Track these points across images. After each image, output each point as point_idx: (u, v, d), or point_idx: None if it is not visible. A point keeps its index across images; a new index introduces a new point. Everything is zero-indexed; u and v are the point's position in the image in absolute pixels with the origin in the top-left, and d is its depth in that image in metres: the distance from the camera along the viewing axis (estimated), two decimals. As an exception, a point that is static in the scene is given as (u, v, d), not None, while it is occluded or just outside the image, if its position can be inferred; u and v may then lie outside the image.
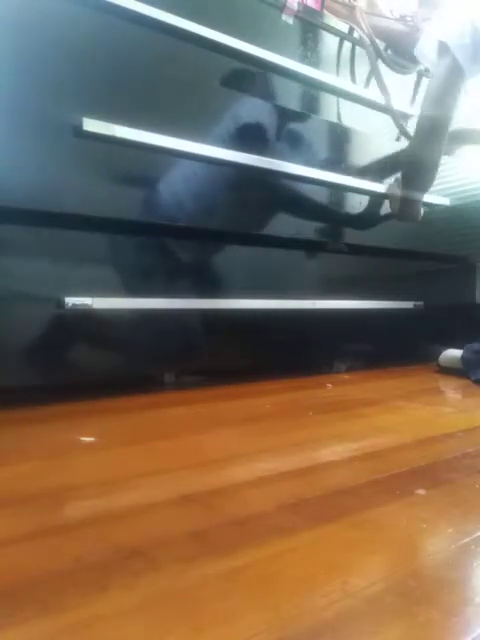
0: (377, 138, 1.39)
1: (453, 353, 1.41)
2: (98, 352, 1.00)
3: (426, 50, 1.24)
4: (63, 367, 0.96)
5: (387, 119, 1.37)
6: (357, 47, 1.34)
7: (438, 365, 1.45)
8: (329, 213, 1.32)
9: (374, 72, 1.32)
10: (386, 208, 1.40)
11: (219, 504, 0.53)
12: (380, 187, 1.37)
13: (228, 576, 0.39)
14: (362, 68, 1.35)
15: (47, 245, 0.92)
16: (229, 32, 1.08)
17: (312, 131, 1.26)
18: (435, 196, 1.49)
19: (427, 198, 1.39)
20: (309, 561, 0.42)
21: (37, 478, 0.59)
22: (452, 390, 1.25)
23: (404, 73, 1.41)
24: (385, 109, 1.35)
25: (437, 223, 1.52)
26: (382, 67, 1.35)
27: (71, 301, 0.92)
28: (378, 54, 1.34)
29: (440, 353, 1.45)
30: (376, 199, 1.38)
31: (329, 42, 1.30)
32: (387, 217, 1.40)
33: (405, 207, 1.34)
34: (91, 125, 0.90)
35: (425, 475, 0.62)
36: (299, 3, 1.21)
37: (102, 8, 0.92)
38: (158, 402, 1.01)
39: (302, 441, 0.77)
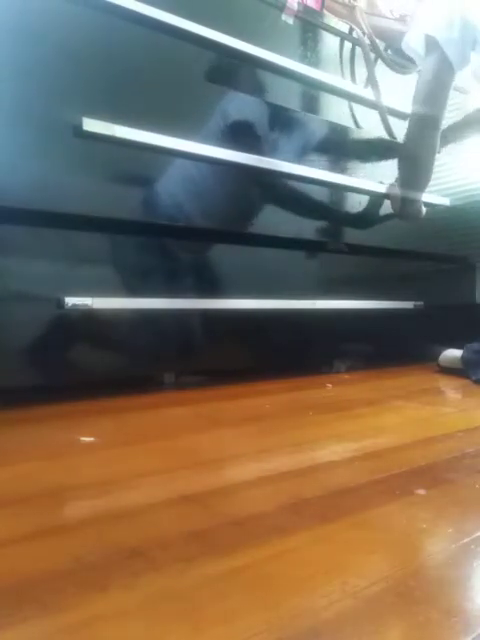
0: (377, 138, 1.39)
1: (453, 353, 1.41)
2: (98, 352, 1.00)
3: (413, 43, 1.22)
4: (63, 367, 0.96)
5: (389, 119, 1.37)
6: (357, 47, 1.34)
7: (438, 365, 1.44)
8: (329, 213, 1.32)
9: (368, 70, 1.32)
10: (386, 208, 1.40)
11: (219, 504, 0.53)
12: (380, 187, 1.37)
13: (228, 576, 0.39)
14: (362, 68, 1.35)
15: (47, 245, 0.92)
16: (229, 32, 1.08)
17: (314, 131, 1.26)
18: (435, 196, 1.49)
19: (427, 198, 1.40)
20: (309, 561, 0.42)
21: (37, 478, 0.59)
22: (452, 390, 1.25)
23: (404, 73, 1.41)
24: (382, 109, 1.35)
25: (437, 223, 1.52)
26: (382, 67, 1.35)
27: (71, 301, 0.92)
28: (378, 54, 1.34)
29: (440, 353, 1.44)
30: (376, 199, 1.38)
31: (329, 42, 1.30)
32: (387, 217, 1.40)
33: (406, 206, 1.34)
34: (91, 125, 0.90)
35: (425, 475, 0.62)
36: (299, 3, 1.21)
37: (103, 8, 0.92)
38: (158, 402, 1.01)
39: (302, 441, 0.77)
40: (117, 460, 0.67)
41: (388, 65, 1.37)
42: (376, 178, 1.37)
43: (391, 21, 1.41)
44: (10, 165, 0.85)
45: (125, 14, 0.94)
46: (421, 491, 0.57)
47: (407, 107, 1.27)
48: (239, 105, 1.13)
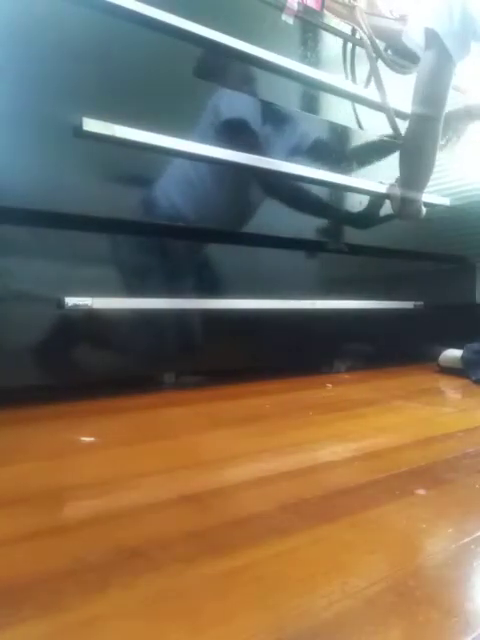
0: (378, 138, 1.39)
1: (453, 353, 1.41)
2: (98, 352, 1.00)
3: (413, 34, 1.21)
4: (63, 367, 0.96)
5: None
6: (357, 47, 1.34)
7: (438, 365, 1.44)
8: (329, 213, 1.32)
9: (373, 71, 1.32)
10: (386, 208, 1.40)
11: (219, 504, 0.53)
12: (380, 187, 1.37)
13: (228, 576, 0.39)
14: (362, 68, 1.35)
15: (47, 245, 0.92)
16: (229, 32, 1.08)
17: (314, 131, 1.26)
18: (435, 196, 1.49)
19: (427, 198, 1.39)
20: (309, 561, 0.42)
21: (37, 478, 0.59)
22: (452, 390, 1.25)
23: (404, 73, 1.41)
24: (389, 109, 1.35)
25: (437, 223, 1.52)
26: (382, 67, 1.35)
27: (71, 301, 0.92)
28: (378, 54, 1.34)
29: (440, 353, 1.45)
30: (376, 199, 1.38)
31: (329, 42, 1.30)
32: (387, 217, 1.40)
33: (406, 206, 1.34)
34: (91, 125, 0.90)
35: (425, 475, 0.62)
36: (299, 3, 1.21)
37: (102, 8, 0.92)
38: (158, 402, 1.01)
39: (302, 441, 0.77)
40: (117, 460, 0.67)
41: (388, 65, 1.37)
42: (376, 178, 1.37)
43: (391, 21, 1.41)
44: (10, 165, 0.85)
45: (125, 14, 0.94)
46: (421, 491, 0.57)
47: (407, 107, 1.26)
48: (237, 105, 1.13)
